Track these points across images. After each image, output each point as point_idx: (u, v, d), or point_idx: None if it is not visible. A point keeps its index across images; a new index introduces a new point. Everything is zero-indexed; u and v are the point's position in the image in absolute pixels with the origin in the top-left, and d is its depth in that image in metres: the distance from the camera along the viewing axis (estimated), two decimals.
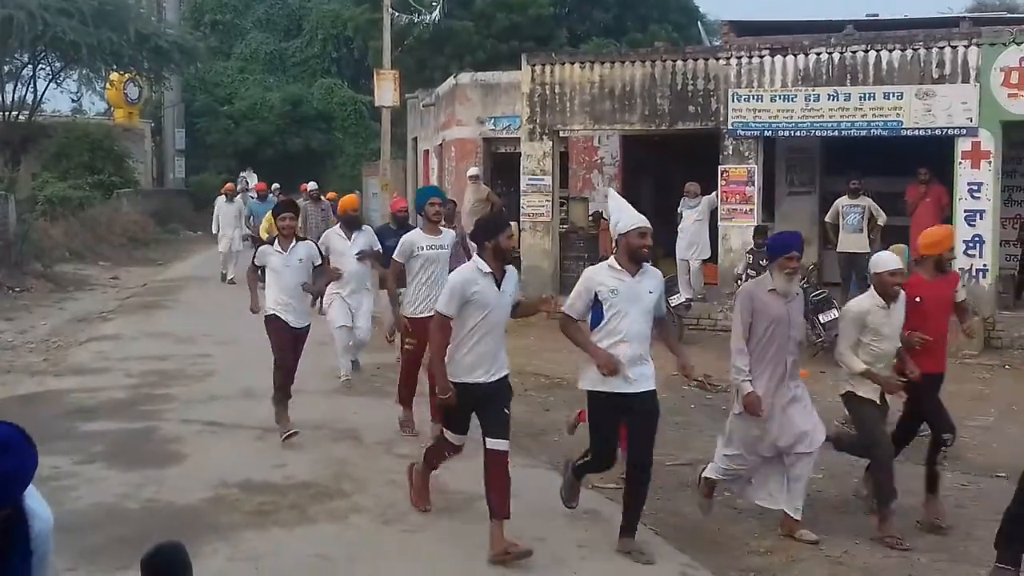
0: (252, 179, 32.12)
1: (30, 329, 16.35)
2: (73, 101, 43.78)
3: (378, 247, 11.73)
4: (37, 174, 31.51)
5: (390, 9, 29.80)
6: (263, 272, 10.21)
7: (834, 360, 13.92)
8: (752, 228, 16.15)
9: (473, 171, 20.87)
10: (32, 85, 34.71)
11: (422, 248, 9.71)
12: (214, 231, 22.99)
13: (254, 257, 10.46)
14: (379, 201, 29.24)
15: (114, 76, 36.53)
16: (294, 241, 10.15)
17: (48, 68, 34.78)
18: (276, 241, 10.17)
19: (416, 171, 31.96)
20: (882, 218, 16.18)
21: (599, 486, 8.42)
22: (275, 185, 26.76)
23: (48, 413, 10.83)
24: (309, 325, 10.26)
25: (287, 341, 9.95)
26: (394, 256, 9.89)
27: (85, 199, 29.44)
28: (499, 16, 35.09)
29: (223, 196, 23.08)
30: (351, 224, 11.93)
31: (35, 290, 20.21)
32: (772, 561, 7.12)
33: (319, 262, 10.42)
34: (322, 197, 19.90)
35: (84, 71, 35.09)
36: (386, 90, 29.37)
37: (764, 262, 11.10)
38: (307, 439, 9.79)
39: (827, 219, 16.74)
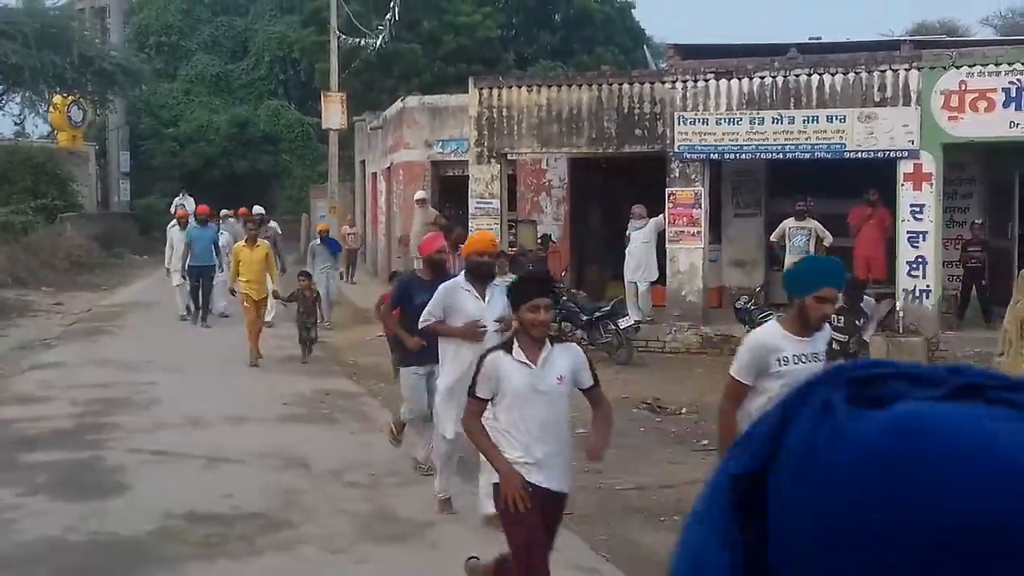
0: (189, 204, 28.65)
1: None
2: (16, 124, 43.09)
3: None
4: None
5: (336, 32, 29.75)
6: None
7: None
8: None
9: (420, 195, 20.87)
10: None
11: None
12: (167, 264, 20.90)
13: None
14: (329, 222, 29.11)
15: (57, 99, 36.12)
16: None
17: None
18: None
19: (364, 194, 31.88)
20: (828, 239, 16.37)
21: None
22: (224, 211, 24.02)
23: None
24: None
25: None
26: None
27: (28, 224, 29.05)
28: (446, 39, 35.19)
29: (176, 224, 20.80)
30: (485, 276, 8.21)
31: None
32: None
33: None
34: (270, 223, 19.58)
35: (27, 94, 34.64)
36: (333, 112, 29.31)
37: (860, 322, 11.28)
38: (255, 468, 9.71)
39: (772, 238, 16.91)
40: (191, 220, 20.68)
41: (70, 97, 36.37)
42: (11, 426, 11.48)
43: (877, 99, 15.78)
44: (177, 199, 30.65)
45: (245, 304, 15.60)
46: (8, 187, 32.07)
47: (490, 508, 6.41)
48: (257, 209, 20.26)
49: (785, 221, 16.62)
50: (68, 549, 7.54)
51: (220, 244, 19.71)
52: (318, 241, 20.06)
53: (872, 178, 16.45)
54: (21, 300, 22.62)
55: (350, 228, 28.76)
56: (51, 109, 37.38)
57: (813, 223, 16.38)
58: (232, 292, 16.51)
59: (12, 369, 15.22)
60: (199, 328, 19.09)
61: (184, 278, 19.67)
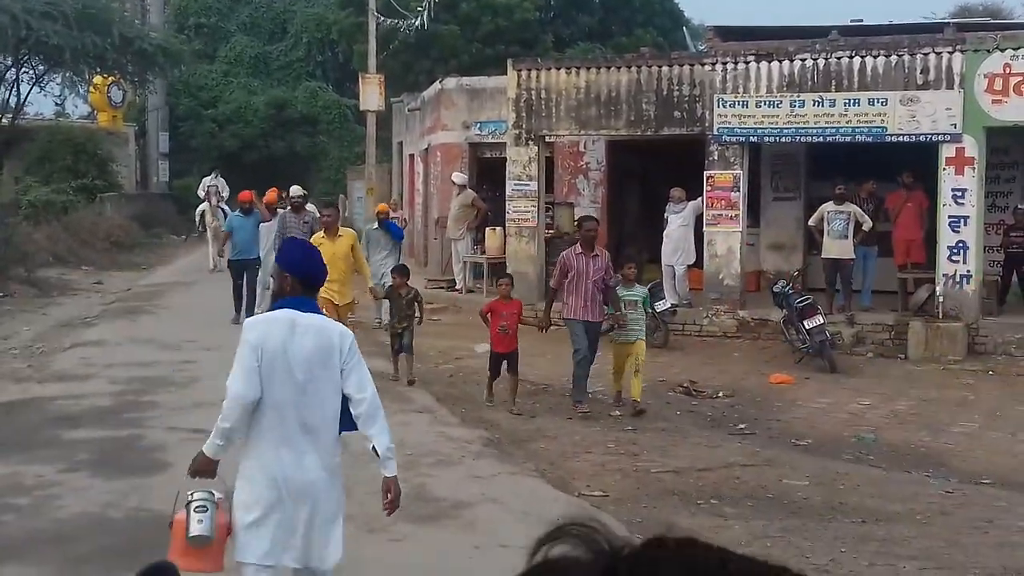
0: (221, 185, 27.93)
1: (14, 335, 16.25)
2: (56, 104, 43.42)
3: None
4: (20, 178, 31.32)
5: (375, 13, 29.76)
6: None
7: (817, 367, 14.05)
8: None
9: (458, 177, 20.82)
10: (15, 88, 34.54)
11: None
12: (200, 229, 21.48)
13: None
14: (364, 205, 29.13)
15: (98, 79, 36.37)
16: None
17: (31, 71, 34.62)
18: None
19: (402, 175, 31.92)
20: (867, 223, 16.24)
21: (585, 494, 8.42)
22: (295, 189, 17.48)
23: (32, 420, 10.79)
24: None
25: None
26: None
27: (68, 203, 29.27)
28: (484, 20, 35.07)
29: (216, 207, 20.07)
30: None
31: (18, 295, 20.09)
32: None
33: None
34: (308, 206, 16.69)
35: (68, 74, 34.92)
36: (371, 94, 29.32)
37: None
38: None
39: (811, 222, 16.79)
40: (221, 205, 20.30)
41: (110, 78, 36.63)
42: (53, 403, 11.60)
43: (920, 82, 15.61)
44: (208, 179, 28.76)
45: (324, 312, 14.04)
46: (49, 167, 32.33)
47: None
48: (297, 190, 16.84)
49: (824, 205, 16.48)
50: (109, 525, 7.62)
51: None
52: (375, 226, 16.79)
53: (913, 162, 16.31)
54: (62, 279, 22.83)
55: (394, 212, 27.80)
56: (91, 90, 37.67)
57: (852, 207, 16.25)
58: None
59: (53, 347, 15.37)
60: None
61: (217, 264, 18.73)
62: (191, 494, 4.98)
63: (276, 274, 5.36)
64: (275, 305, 5.30)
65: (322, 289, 5.71)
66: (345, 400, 5.11)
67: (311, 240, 11.77)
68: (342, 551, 5.13)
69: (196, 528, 4.87)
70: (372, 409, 5.11)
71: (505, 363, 11.63)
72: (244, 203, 17.75)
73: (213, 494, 4.97)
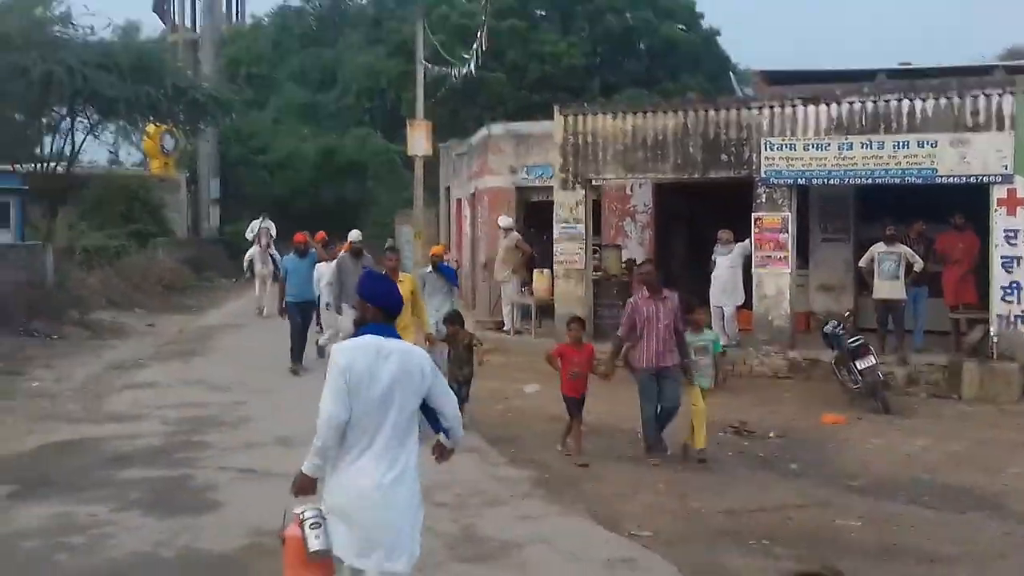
0: (272, 229, 27.70)
1: (67, 377, 16.45)
2: (110, 152, 44.32)
3: None
4: (74, 224, 31.84)
5: (423, 62, 30.09)
6: None
7: (870, 407, 13.91)
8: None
9: (504, 221, 20.89)
10: (70, 137, 35.14)
11: None
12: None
13: None
14: (412, 249, 29.30)
15: (150, 128, 36.97)
16: None
17: (86, 121, 35.21)
18: None
19: (449, 219, 32.11)
20: (918, 264, 16.12)
21: (635, 534, 8.36)
22: (355, 234, 16.84)
23: (86, 460, 10.91)
24: None
25: None
26: None
27: (122, 248, 29.73)
28: (531, 67, 35.40)
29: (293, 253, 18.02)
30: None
31: (72, 338, 20.37)
32: None
33: None
34: (364, 251, 15.92)
35: (121, 123, 35.50)
36: (419, 139, 29.60)
37: None
38: None
39: (861, 264, 16.67)
40: (271, 252, 20.05)
41: (163, 126, 37.22)
42: (106, 444, 11.73)
43: (969, 124, 15.53)
44: (257, 221, 28.38)
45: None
46: (103, 213, 32.87)
47: None
48: (356, 235, 16.28)
49: (874, 246, 16.38)
50: (160, 565, 7.67)
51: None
52: (429, 269, 15.66)
53: (963, 203, 16.19)
54: (115, 322, 23.11)
55: (447, 255, 26.04)
56: (144, 138, 38.30)
57: (903, 248, 16.14)
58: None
59: (106, 388, 15.55)
60: (299, 375, 16.61)
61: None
62: (302, 512, 5.43)
63: (359, 304, 5.89)
64: (359, 332, 5.75)
65: None
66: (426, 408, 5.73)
67: None
68: (419, 552, 5.59)
69: (315, 544, 5.34)
70: (455, 422, 5.83)
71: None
72: (299, 244, 17.73)
73: (321, 510, 5.42)
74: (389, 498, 5.43)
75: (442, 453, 5.92)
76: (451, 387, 5.90)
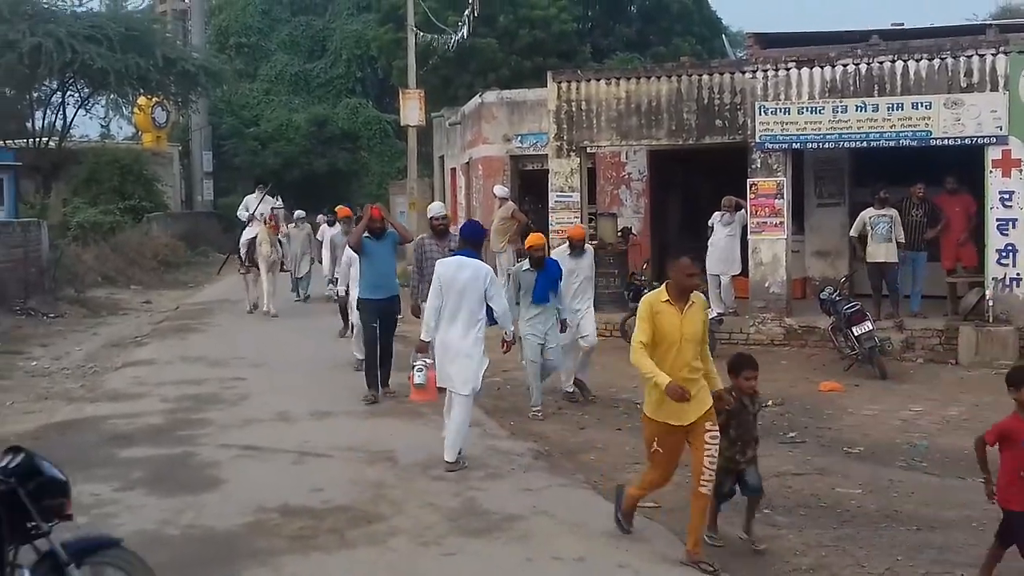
0: (269, 203, 23.06)
1: (65, 355, 16.47)
2: (102, 126, 44.16)
3: None
4: (68, 200, 31.75)
5: (414, 29, 29.92)
6: None
7: (867, 373, 13.95)
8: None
9: (499, 190, 20.80)
10: (61, 111, 35.07)
11: None
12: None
13: None
14: (407, 219, 29.27)
15: (141, 100, 36.84)
16: None
17: (77, 94, 35.11)
18: None
19: (443, 189, 32.05)
20: (899, 235, 16.00)
21: (639, 506, 8.38)
22: (437, 207, 13.54)
23: (87, 440, 10.92)
24: None
25: None
26: None
27: (116, 224, 29.65)
28: (522, 32, 35.17)
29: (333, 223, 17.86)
30: None
31: (69, 316, 20.37)
32: None
33: None
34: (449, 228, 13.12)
35: (112, 96, 35.45)
36: (411, 109, 29.48)
37: None
38: (343, 462, 9.84)
39: (852, 233, 16.59)
40: (338, 226, 17.98)
41: (154, 99, 37.08)
42: (106, 422, 11.74)
43: (963, 85, 15.49)
44: (253, 197, 23.88)
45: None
46: (96, 188, 32.75)
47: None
48: (438, 208, 13.24)
49: (863, 212, 16.27)
50: (164, 542, 7.69)
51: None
52: (527, 267, 12.11)
53: (958, 165, 16.17)
54: (111, 299, 23.11)
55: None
56: (136, 111, 38.16)
57: (892, 211, 16.04)
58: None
59: (105, 366, 15.56)
60: (381, 399, 12.71)
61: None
62: (415, 363, 10.11)
63: (460, 242, 10.08)
64: (454, 253, 10.13)
65: None
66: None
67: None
68: (480, 385, 9.89)
69: (418, 378, 10.11)
70: (505, 315, 9.93)
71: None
72: (375, 222, 12.91)
73: (426, 362, 9.95)
74: (465, 349, 9.52)
75: (504, 344, 9.97)
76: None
